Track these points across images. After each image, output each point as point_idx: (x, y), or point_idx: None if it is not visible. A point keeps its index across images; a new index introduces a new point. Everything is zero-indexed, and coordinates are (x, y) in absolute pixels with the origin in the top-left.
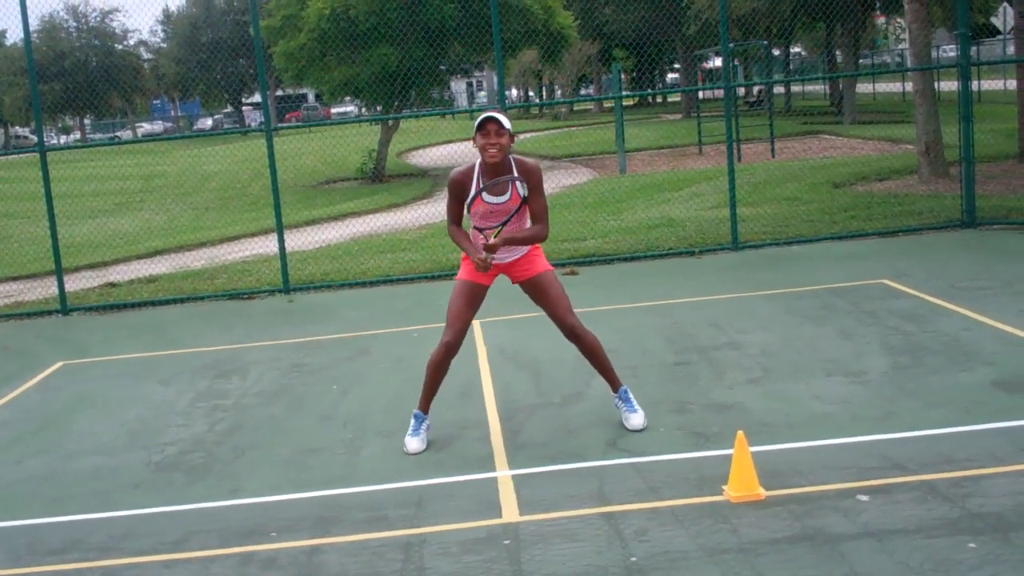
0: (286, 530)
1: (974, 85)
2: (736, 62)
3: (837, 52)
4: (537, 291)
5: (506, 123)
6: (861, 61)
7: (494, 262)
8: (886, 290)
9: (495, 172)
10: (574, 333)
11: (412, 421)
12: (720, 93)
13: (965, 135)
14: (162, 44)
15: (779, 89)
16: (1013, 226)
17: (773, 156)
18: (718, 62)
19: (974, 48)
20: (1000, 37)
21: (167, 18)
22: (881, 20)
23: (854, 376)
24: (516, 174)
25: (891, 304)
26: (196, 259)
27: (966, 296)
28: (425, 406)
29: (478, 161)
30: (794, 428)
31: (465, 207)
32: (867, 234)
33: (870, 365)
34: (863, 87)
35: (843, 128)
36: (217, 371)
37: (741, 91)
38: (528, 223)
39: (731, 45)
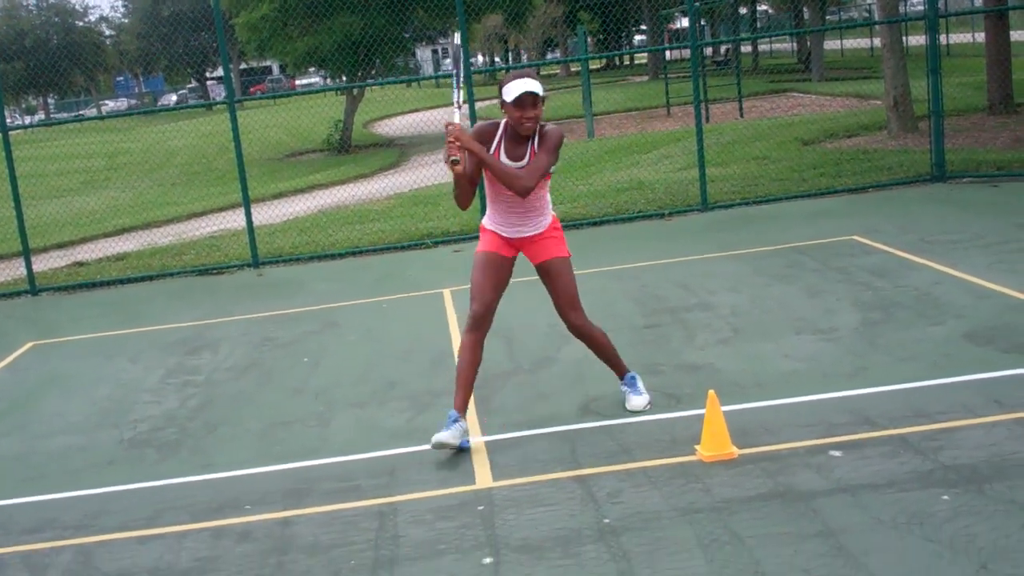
0: (259, 503)
1: (942, 39)
2: (703, 21)
3: (804, 9)
4: (547, 277)
5: (541, 92)
6: (828, 17)
7: (510, 235)
8: (856, 246)
9: (518, 138)
10: (579, 332)
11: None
12: (687, 53)
13: (934, 88)
14: (123, 20)
15: (747, 48)
16: (982, 179)
17: (741, 115)
18: (684, 22)
19: (942, 0)
20: None
21: None
22: None
23: (824, 333)
24: (536, 141)
25: (861, 260)
26: (164, 236)
27: (936, 250)
28: (460, 403)
29: (503, 121)
30: (765, 387)
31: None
32: (837, 191)
33: (840, 322)
34: (831, 43)
35: (811, 85)
36: (187, 347)
37: (708, 50)
38: (546, 195)
39: (697, 4)
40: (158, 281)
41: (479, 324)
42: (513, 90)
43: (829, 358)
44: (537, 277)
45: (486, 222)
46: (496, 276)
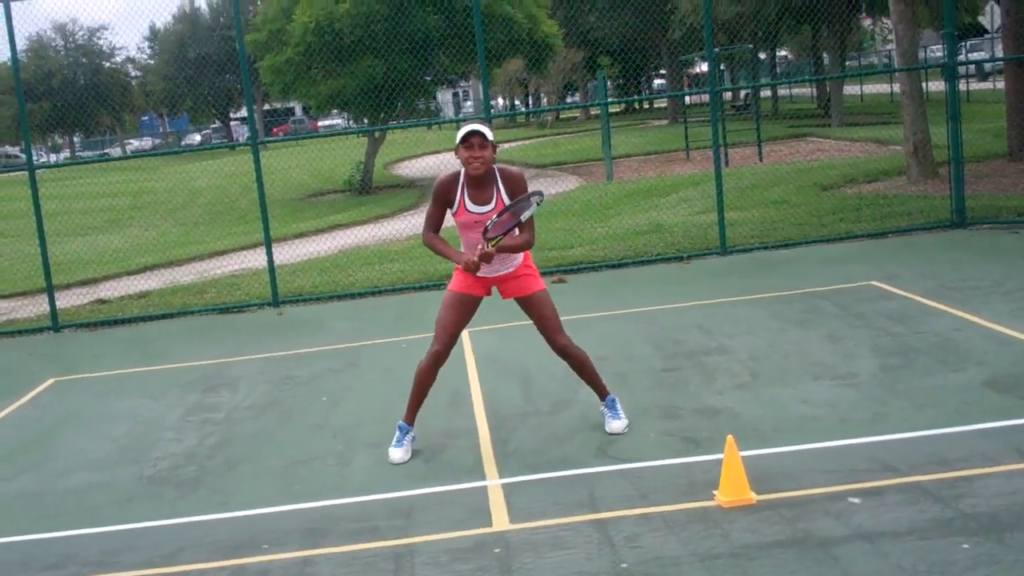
0: (277, 542)
1: (962, 85)
2: (723, 66)
3: (824, 54)
4: (532, 309)
5: (489, 135)
6: (848, 63)
7: (486, 275)
8: (875, 291)
9: (479, 184)
10: (564, 352)
11: (396, 432)
12: (706, 98)
13: (953, 135)
14: (149, 61)
15: (766, 93)
16: (1003, 225)
17: (761, 160)
18: (704, 67)
19: (960, 47)
20: (988, 36)
21: (154, 35)
22: (868, 21)
23: (843, 379)
24: (501, 184)
25: (880, 305)
26: (186, 274)
27: (956, 296)
28: (410, 417)
29: (462, 170)
30: (783, 432)
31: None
32: (856, 236)
33: (859, 367)
34: (850, 89)
35: (831, 130)
36: (207, 385)
37: (728, 95)
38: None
39: (716, 49)
40: (179, 319)
41: (439, 362)
42: (462, 131)
43: (848, 404)
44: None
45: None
46: (463, 317)
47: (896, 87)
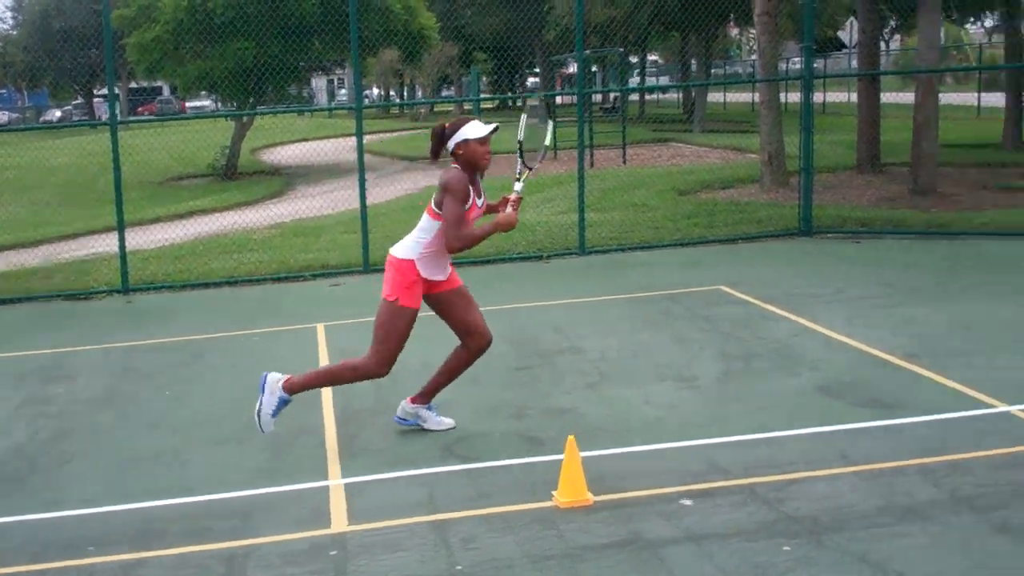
0: (104, 544)
1: (819, 97)
2: (594, 68)
3: (692, 61)
4: (463, 299)
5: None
6: (714, 71)
7: (426, 279)
8: (723, 296)
9: (474, 178)
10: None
11: (275, 401)
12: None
13: (805, 146)
14: (11, 31)
15: (635, 96)
16: (847, 235)
17: (624, 162)
18: (576, 68)
19: (821, 61)
20: (846, 51)
21: (18, 4)
22: (735, 31)
23: (686, 381)
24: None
25: (727, 310)
26: (32, 257)
27: (798, 303)
28: (296, 387)
29: (457, 166)
30: (626, 433)
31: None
32: (708, 241)
33: (702, 370)
34: (715, 96)
35: (692, 136)
36: (44, 375)
37: (598, 97)
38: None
39: (588, 52)
40: (20, 305)
41: (374, 379)
42: (482, 128)
43: (689, 406)
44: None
45: (423, 271)
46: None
47: (758, 97)
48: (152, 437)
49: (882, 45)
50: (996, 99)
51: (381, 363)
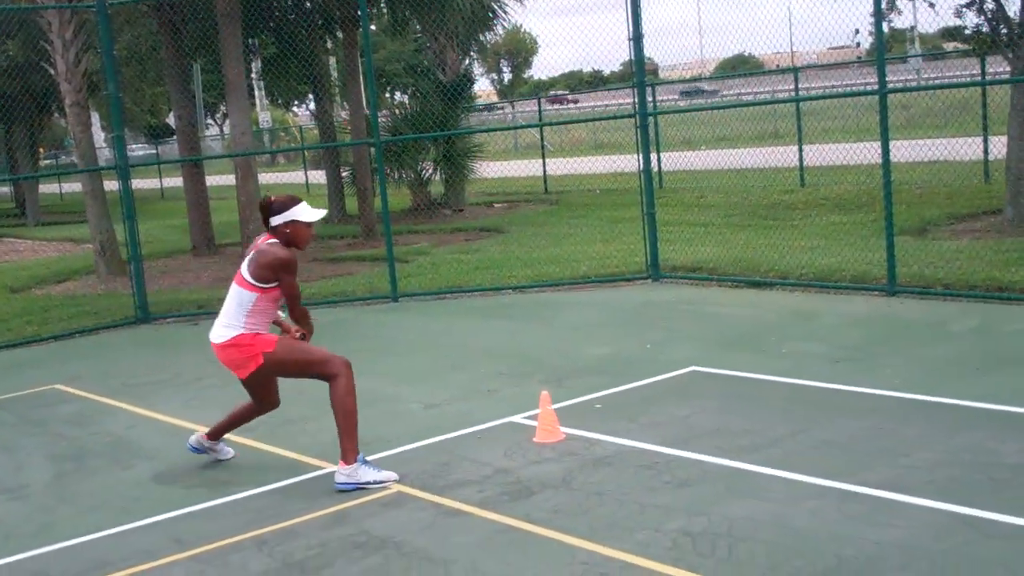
0: None
1: (156, 184)
2: None
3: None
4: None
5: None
6: (47, 161)
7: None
8: (58, 395)
9: None
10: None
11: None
12: None
13: (131, 233)
14: None
15: None
16: (184, 317)
17: None
18: None
19: (156, 147)
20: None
21: None
22: (63, 122)
23: (12, 491)
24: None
25: (60, 410)
26: None
27: (136, 392)
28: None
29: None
30: None
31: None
32: (43, 339)
33: (31, 477)
34: (51, 187)
35: (27, 230)
36: None
37: None
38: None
39: None
40: None
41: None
42: (312, 213)
43: (15, 518)
44: None
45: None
46: None
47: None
48: None
49: (216, 129)
50: (322, 176)
51: (332, 361)
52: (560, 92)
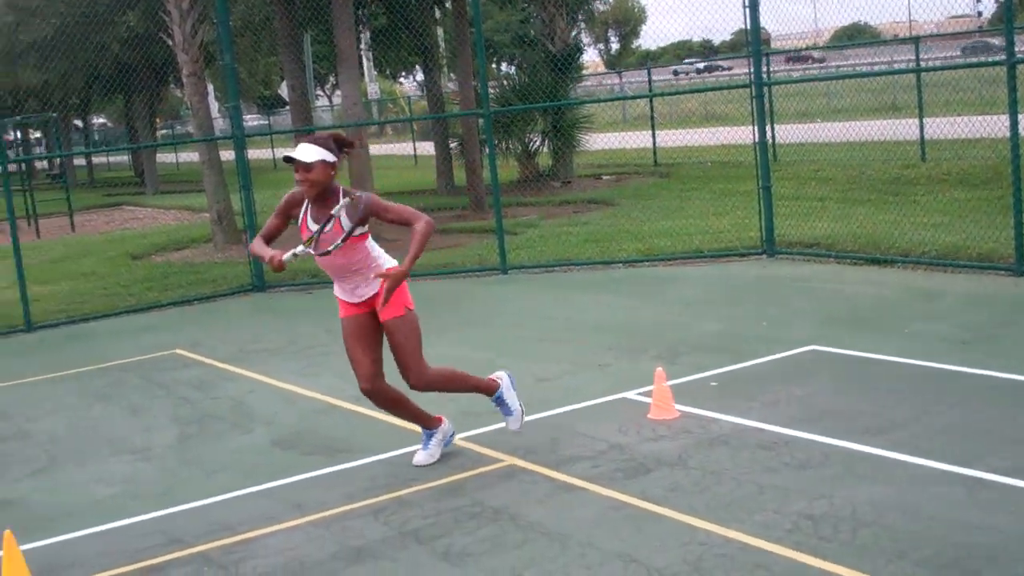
0: None
1: (268, 153)
2: (38, 133)
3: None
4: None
5: (312, 156)
6: (163, 131)
7: (358, 299)
8: (179, 360)
9: (318, 203)
10: (374, 387)
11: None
12: (23, 166)
13: (247, 202)
14: None
15: (80, 161)
16: (297, 287)
17: (73, 230)
18: (17, 134)
19: (268, 117)
20: (287, 107)
21: None
22: (179, 92)
23: (139, 453)
24: (346, 206)
25: (182, 374)
26: None
27: (253, 359)
28: (423, 421)
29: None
30: (75, 517)
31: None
32: (163, 305)
33: (156, 440)
34: (168, 157)
35: (146, 198)
36: None
37: (44, 163)
38: (366, 256)
39: (18, 117)
40: None
41: (375, 398)
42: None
43: (143, 479)
44: None
45: (337, 291)
46: (366, 338)
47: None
48: None
49: (326, 100)
50: (431, 147)
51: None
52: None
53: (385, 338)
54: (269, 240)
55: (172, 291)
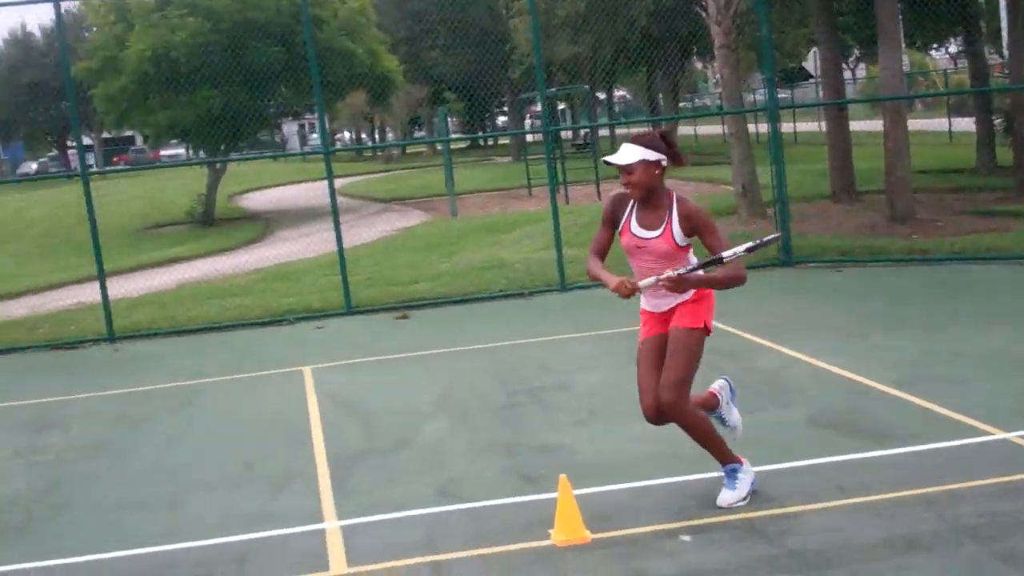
0: None
1: (789, 127)
2: (564, 105)
3: (659, 95)
4: (668, 345)
5: (631, 157)
6: (682, 104)
7: (662, 310)
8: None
9: (648, 204)
10: (668, 410)
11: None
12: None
13: (778, 176)
14: None
15: (605, 132)
16: (827, 264)
17: (599, 198)
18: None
19: (788, 91)
20: (813, 80)
21: None
22: (700, 65)
23: None
24: (675, 213)
25: (712, 343)
26: (17, 308)
27: (785, 334)
28: (721, 457)
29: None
30: (619, 469)
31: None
32: None
33: None
34: (685, 129)
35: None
36: (37, 425)
37: (569, 133)
38: (681, 264)
39: (554, 89)
40: (9, 356)
41: (657, 421)
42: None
43: (680, 441)
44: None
45: (642, 302)
46: (661, 362)
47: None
48: (147, 483)
49: (848, 74)
50: (966, 123)
51: (640, 394)
52: None
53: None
54: (603, 254)
55: None
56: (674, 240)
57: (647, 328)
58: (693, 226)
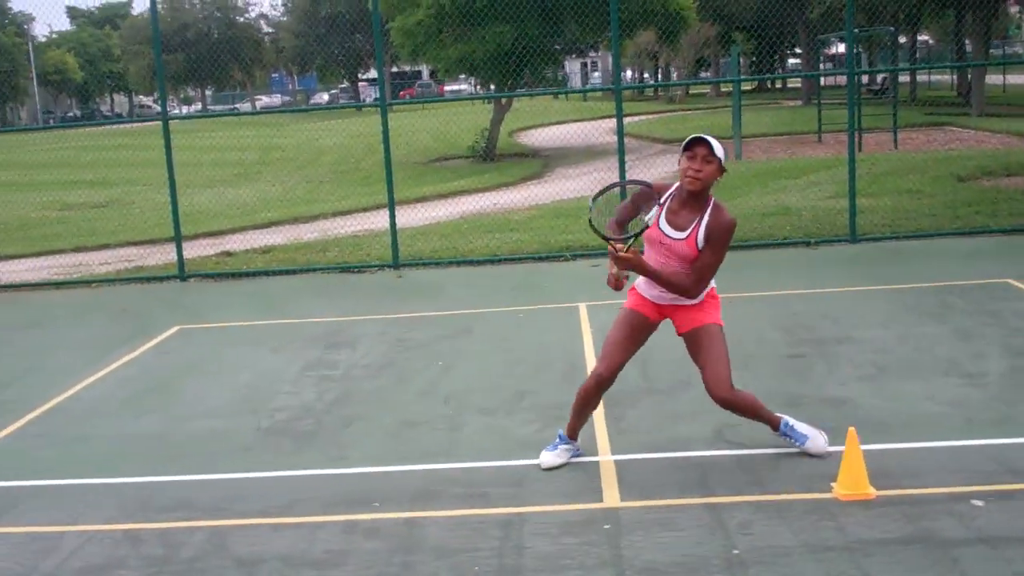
0: (388, 501)
1: None
2: (860, 49)
3: (966, 41)
4: (694, 345)
5: (718, 150)
6: (991, 51)
7: (660, 301)
8: (1010, 290)
9: (689, 201)
10: (728, 406)
11: (556, 439)
12: (842, 80)
13: None
14: (282, 18)
15: (904, 78)
16: None
17: (896, 147)
18: (841, 48)
19: None
20: None
21: None
22: (1015, 8)
23: (972, 378)
24: (706, 218)
25: (1015, 305)
26: (309, 231)
27: None
28: (571, 431)
29: (676, 184)
30: (907, 428)
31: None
32: (991, 231)
33: (989, 367)
34: (992, 78)
35: (970, 120)
36: (326, 342)
37: (864, 78)
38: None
39: (856, 30)
40: (301, 275)
41: (600, 385)
42: (687, 138)
43: (975, 403)
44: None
45: (637, 285)
46: (635, 338)
47: None
48: (426, 404)
49: None
50: None
51: (599, 359)
52: None
53: (693, 346)
54: (620, 222)
55: (1001, 218)
56: (696, 245)
57: (638, 302)
58: (710, 234)
